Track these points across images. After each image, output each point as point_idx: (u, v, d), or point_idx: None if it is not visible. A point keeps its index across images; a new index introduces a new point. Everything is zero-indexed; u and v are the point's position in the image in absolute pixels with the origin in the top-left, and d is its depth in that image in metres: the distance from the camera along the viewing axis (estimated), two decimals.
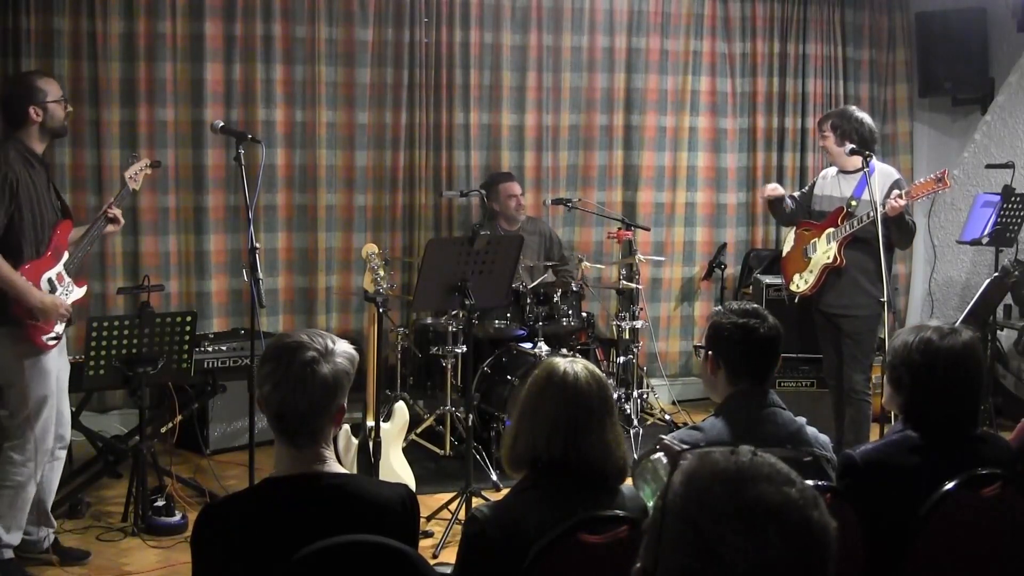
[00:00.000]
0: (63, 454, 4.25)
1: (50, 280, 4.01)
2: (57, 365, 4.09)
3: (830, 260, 5.08)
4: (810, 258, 5.18)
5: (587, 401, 2.36)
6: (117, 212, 4.29)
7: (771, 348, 2.79)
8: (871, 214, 4.86)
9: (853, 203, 5.05)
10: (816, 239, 5.17)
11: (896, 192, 4.90)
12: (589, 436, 2.33)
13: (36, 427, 3.98)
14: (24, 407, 3.95)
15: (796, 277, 5.27)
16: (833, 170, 5.29)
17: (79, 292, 4.17)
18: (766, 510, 1.18)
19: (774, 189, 5.41)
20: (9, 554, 4.04)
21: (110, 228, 4.31)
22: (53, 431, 4.07)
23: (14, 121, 4.01)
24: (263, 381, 2.22)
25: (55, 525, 4.27)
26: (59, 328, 4.01)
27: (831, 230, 5.10)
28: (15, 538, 4.04)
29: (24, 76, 4.41)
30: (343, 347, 2.26)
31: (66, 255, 4.12)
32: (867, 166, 4.86)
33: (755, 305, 2.89)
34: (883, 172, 5.15)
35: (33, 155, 4.01)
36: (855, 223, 4.97)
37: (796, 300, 5.30)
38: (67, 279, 4.09)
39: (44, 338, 3.95)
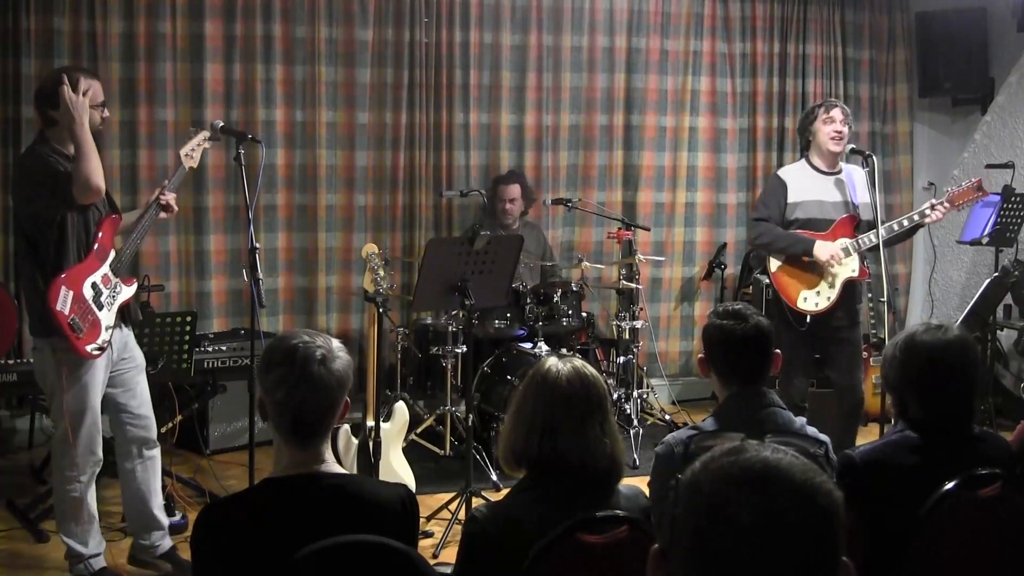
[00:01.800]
0: (154, 453, 4.14)
1: (94, 284, 3.81)
2: (101, 378, 3.90)
3: (855, 273, 4.78)
4: (821, 273, 4.78)
5: (565, 400, 2.36)
6: (170, 198, 4.01)
7: (752, 348, 2.78)
8: (905, 223, 4.74)
9: (857, 209, 4.83)
10: None
11: (934, 201, 4.76)
12: (567, 435, 2.33)
13: (79, 442, 3.87)
14: (61, 420, 3.85)
15: (810, 294, 4.80)
16: (797, 170, 4.95)
17: (128, 291, 3.98)
18: (769, 469, 1.23)
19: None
20: (101, 563, 3.99)
21: (163, 216, 4.05)
22: (100, 441, 3.96)
23: (43, 119, 3.80)
24: (275, 387, 2.21)
25: (165, 526, 4.18)
26: (104, 336, 3.82)
27: (848, 241, 4.76)
28: (97, 546, 4.00)
29: (70, 71, 3.86)
30: (339, 345, 2.29)
31: (112, 254, 3.93)
32: (867, 165, 4.82)
33: (740, 306, 2.88)
34: (859, 171, 4.93)
35: (63, 156, 3.76)
36: (883, 232, 4.63)
37: (808, 320, 4.78)
38: (113, 280, 3.90)
39: (88, 348, 3.77)
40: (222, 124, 4.28)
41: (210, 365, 5.30)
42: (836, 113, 4.82)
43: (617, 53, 6.91)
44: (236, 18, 6.09)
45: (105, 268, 3.89)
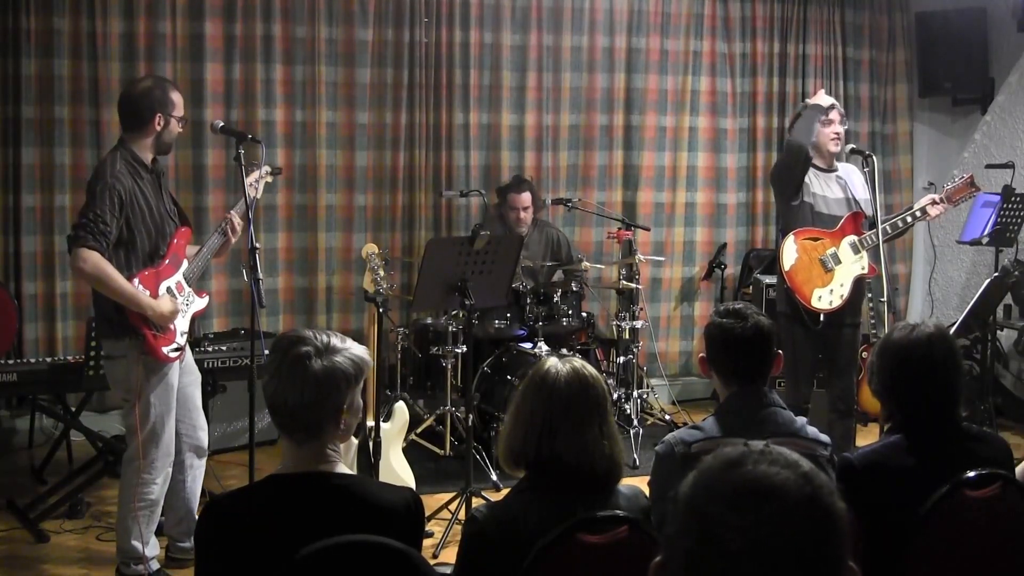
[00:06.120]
0: (203, 463, 4.22)
1: (169, 289, 3.91)
2: (178, 381, 3.99)
3: (865, 271, 4.77)
4: (833, 270, 4.73)
5: (564, 401, 2.35)
6: (238, 221, 4.15)
7: (752, 348, 2.77)
8: (908, 219, 4.75)
9: (860, 206, 4.83)
10: (834, 248, 4.75)
11: (931, 197, 4.78)
12: (566, 436, 2.33)
13: (161, 445, 3.92)
14: (147, 422, 3.88)
15: (824, 292, 4.72)
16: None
17: (200, 303, 4.09)
18: (762, 489, 1.19)
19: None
20: (156, 565, 4.02)
21: (231, 237, 4.19)
22: (174, 444, 4.01)
23: (133, 125, 3.88)
24: (264, 371, 2.27)
25: None
26: (180, 340, 3.91)
27: (855, 238, 4.76)
28: (154, 548, 4.04)
29: (161, 81, 4.11)
30: (353, 351, 2.25)
31: (185, 264, 4.01)
32: (867, 165, 4.83)
33: (741, 305, 2.87)
34: (856, 170, 4.97)
35: (141, 164, 3.87)
36: (887, 229, 4.65)
37: (821, 318, 4.71)
38: (187, 289, 4.00)
39: (165, 350, 3.83)
40: (222, 124, 4.28)
41: (210, 365, 5.29)
42: (834, 115, 4.84)
43: (617, 53, 6.91)
44: (236, 18, 6.10)
45: (179, 276, 3.98)
